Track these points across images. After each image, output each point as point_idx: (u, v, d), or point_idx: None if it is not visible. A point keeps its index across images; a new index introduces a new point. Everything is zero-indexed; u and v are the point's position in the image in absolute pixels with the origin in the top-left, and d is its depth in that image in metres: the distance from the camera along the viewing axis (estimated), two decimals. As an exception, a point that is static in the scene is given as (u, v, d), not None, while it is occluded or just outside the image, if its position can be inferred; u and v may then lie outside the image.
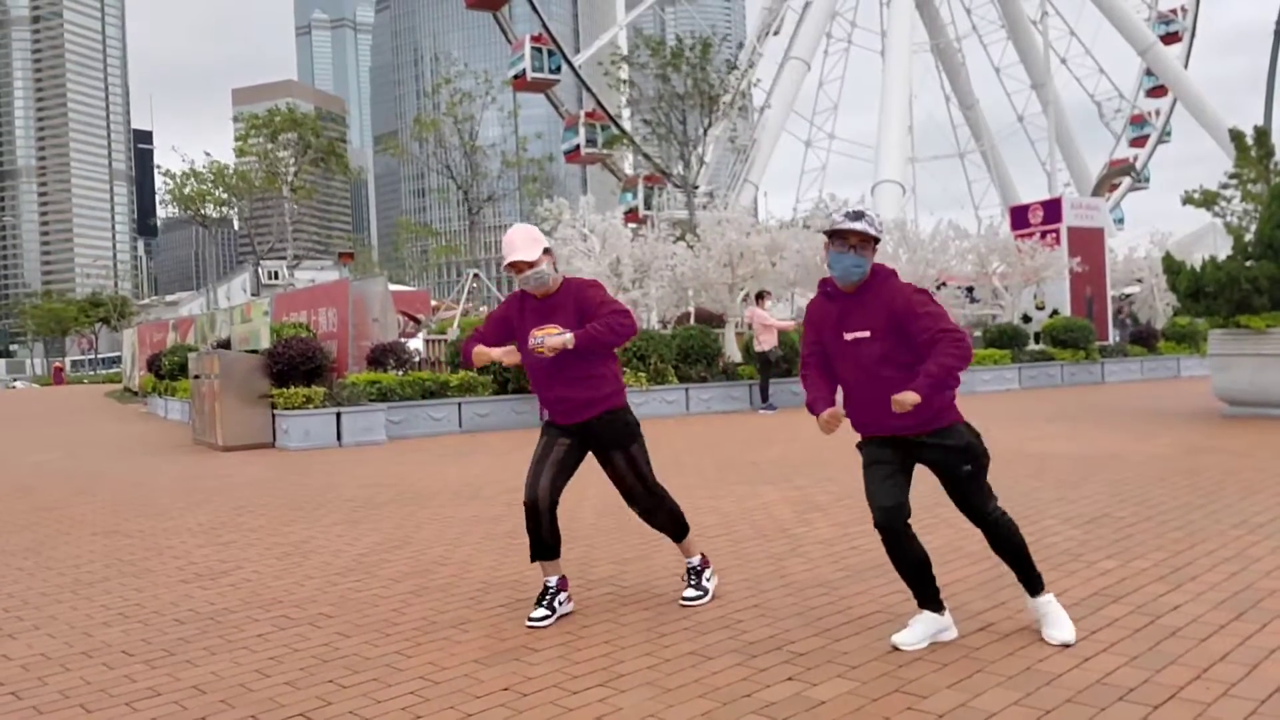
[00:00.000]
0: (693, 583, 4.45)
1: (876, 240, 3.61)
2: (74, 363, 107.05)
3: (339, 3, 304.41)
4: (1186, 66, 66.54)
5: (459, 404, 14.38)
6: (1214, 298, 12.48)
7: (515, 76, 54.75)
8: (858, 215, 3.59)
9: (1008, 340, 21.86)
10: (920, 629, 3.70)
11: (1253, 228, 14.87)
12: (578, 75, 54.81)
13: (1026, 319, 24.79)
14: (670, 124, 41.35)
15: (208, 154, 61.27)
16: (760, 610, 4.32)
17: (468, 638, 4.10)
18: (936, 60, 64.95)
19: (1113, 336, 26.45)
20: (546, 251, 4.19)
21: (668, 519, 4.44)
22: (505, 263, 4.18)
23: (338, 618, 4.51)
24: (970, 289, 26.50)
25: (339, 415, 13.32)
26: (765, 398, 16.48)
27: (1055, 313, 24.62)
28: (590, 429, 4.26)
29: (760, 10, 62.06)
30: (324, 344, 14.53)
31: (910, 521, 3.68)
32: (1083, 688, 3.24)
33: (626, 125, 52.46)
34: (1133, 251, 32.57)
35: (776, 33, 59.14)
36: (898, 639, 3.68)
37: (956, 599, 4.38)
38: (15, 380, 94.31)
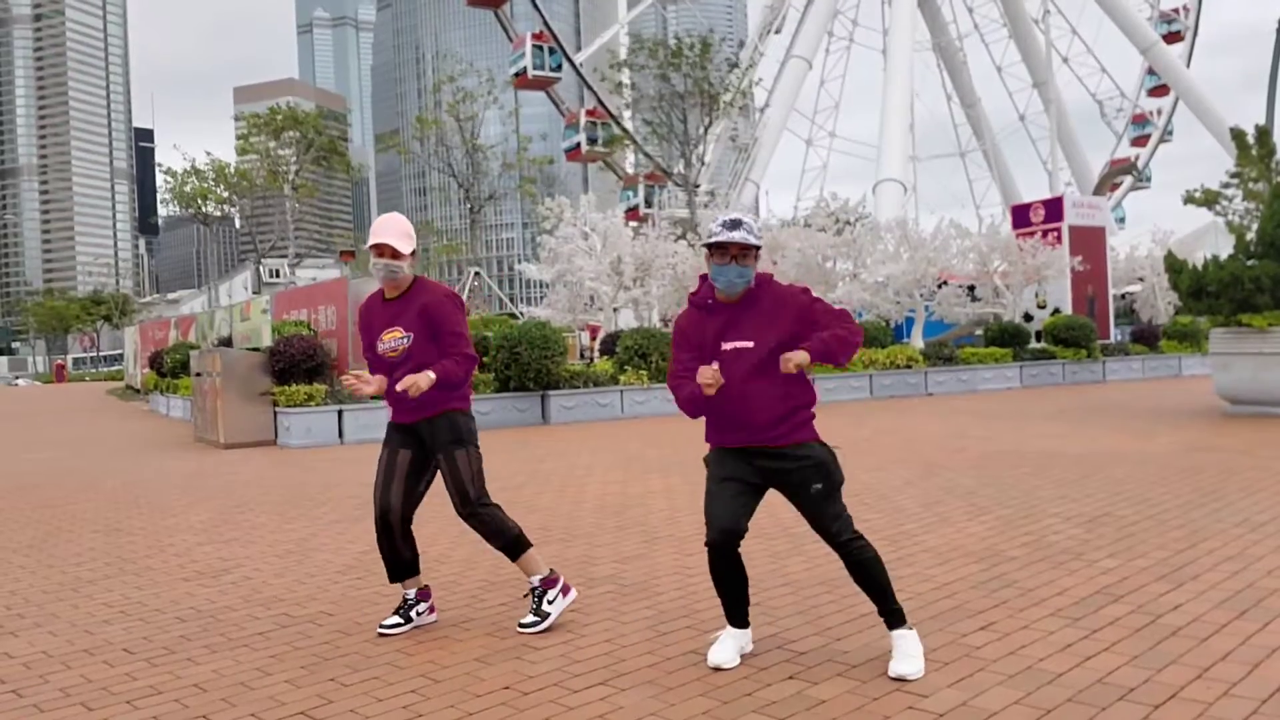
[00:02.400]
0: (533, 606, 4.16)
1: (757, 248, 3.51)
2: (76, 360, 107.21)
3: (340, 1, 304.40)
4: (1189, 65, 66.51)
5: (460, 402, 14.35)
6: (1216, 296, 12.48)
7: (516, 74, 54.78)
8: (735, 224, 3.47)
9: (1009, 339, 21.86)
10: (732, 645, 3.62)
11: (1254, 226, 14.85)
12: (578, 73, 54.82)
13: (1028, 317, 24.79)
14: (671, 123, 41.34)
15: (209, 153, 61.25)
16: (761, 609, 4.32)
17: (468, 636, 4.10)
18: (938, 59, 64.95)
19: (1114, 335, 26.46)
20: (413, 254, 4.14)
21: (492, 533, 4.15)
22: (372, 242, 4.04)
23: (339, 616, 4.51)
24: (972, 288, 26.50)
25: (340, 413, 13.33)
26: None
27: (1056, 311, 24.61)
28: (424, 428, 4.13)
29: (762, 8, 62.04)
30: (325, 342, 14.54)
31: (743, 541, 3.55)
32: (1083, 687, 3.24)
33: (628, 124, 52.48)
34: (1134, 250, 32.57)
35: (778, 31, 59.15)
36: (716, 660, 3.57)
37: (957, 598, 4.38)
38: (18, 378, 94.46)
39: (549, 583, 4.19)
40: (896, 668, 3.42)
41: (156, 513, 7.81)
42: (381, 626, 4.18)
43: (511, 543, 4.16)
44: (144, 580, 5.41)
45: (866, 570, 3.53)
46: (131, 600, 4.97)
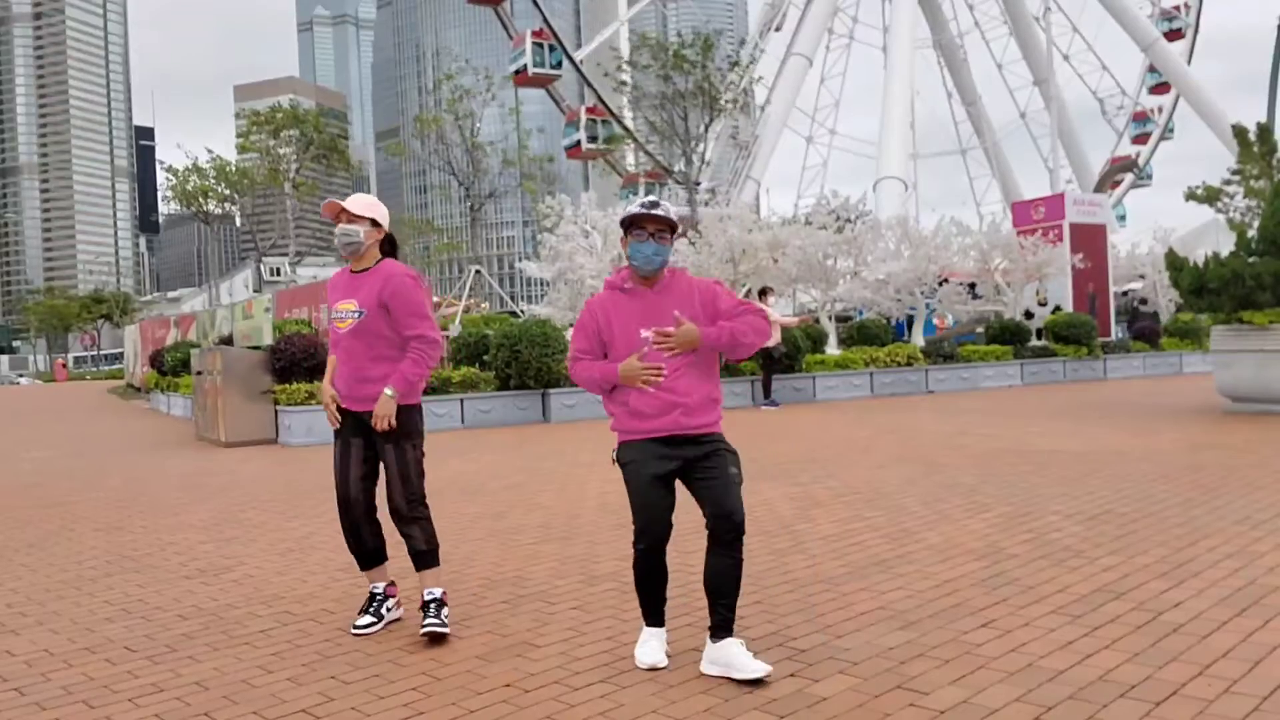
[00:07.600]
0: (434, 614, 4.04)
1: (674, 229, 3.59)
2: (77, 359, 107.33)
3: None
4: (1190, 63, 66.42)
5: (461, 400, 14.37)
6: (1217, 294, 12.46)
7: (516, 71, 54.66)
8: (653, 204, 3.57)
9: (1010, 336, 21.83)
10: (658, 645, 3.65)
11: (1255, 223, 14.85)
12: (579, 70, 54.74)
13: (1029, 315, 24.76)
14: (672, 121, 41.29)
15: (210, 150, 61.28)
16: (762, 606, 4.32)
17: (470, 634, 4.10)
18: (939, 56, 64.86)
19: (1115, 332, 26.44)
20: (375, 225, 4.13)
21: (427, 536, 4.14)
22: (335, 210, 4.12)
23: (340, 614, 4.51)
24: (973, 285, 26.47)
25: (341, 412, 13.32)
26: (768, 394, 16.48)
27: (1058, 309, 24.59)
28: (371, 419, 4.09)
29: (762, 6, 61.99)
30: (326, 340, 14.54)
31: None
32: (1084, 684, 3.24)
33: (628, 121, 52.41)
34: (1135, 248, 32.52)
35: (778, 28, 59.08)
36: (652, 660, 3.57)
37: (958, 595, 4.38)
38: (20, 376, 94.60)
39: (446, 597, 4.17)
40: (756, 667, 3.37)
41: (157, 511, 7.81)
42: (355, 627, 4.19)
43: (434, 551, 4.18)
44: (145, 578, 5.42)
45: (739, 568, 3.55)
46: (133, 598, 4.98)
